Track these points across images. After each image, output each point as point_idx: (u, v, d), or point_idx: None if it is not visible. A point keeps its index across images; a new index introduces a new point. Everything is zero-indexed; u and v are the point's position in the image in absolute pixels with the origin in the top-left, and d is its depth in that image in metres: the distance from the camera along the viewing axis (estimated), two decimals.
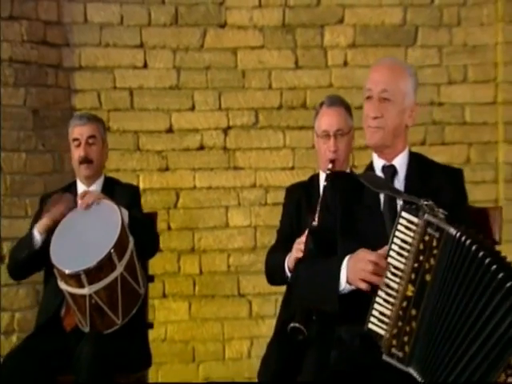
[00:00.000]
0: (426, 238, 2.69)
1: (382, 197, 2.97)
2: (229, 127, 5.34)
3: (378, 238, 2.82)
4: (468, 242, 2.63)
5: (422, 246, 2.70)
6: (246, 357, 5.30)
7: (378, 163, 3.09)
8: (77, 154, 4.04)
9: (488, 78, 5.44)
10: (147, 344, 4.05)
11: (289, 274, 3.73)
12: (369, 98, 3.02)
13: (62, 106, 5.16)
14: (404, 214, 2.72)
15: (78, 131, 4.04)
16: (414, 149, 4.84)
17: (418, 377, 2.67)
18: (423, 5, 5.42)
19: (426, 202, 2.76)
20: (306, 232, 3.50)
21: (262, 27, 5.37)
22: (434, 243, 2.69)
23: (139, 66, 5.29)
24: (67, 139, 5.00)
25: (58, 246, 3.76)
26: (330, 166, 3.78)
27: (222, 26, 5.35)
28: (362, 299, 2.78)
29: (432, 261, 2.69)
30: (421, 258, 2.70)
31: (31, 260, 3.92)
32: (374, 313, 2.72)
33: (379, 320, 2.71)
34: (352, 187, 3.04)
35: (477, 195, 5.19)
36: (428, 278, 2.68)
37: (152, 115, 5.25)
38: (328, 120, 3.84)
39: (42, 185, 5.04)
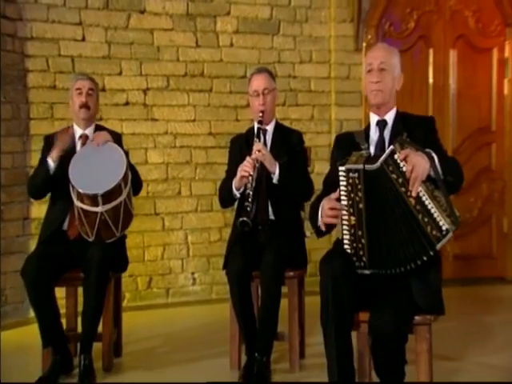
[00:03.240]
0: (350, 180, 2.82)
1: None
2: (147, 89, 5.58)
3: None
4: (370, 169, 2.78)
5: (349, 187, 2.83)
6: (160, 259, 5.64)
7: (374, 118, 3.18)
8: (78, 100, 4.05)
9: (325, 60, 5.96)
10: (126, 251, 4.21)
11: (235, 192, 3.86)
12: (370, 70, 3.13)
13: (18, 68, 5.21)
14: (339, 167, 2.86)
15: (81, 83, 4.09)
16: (277, 109, 5.62)
17: (378, 272, 2.83)
18: (283, 5, 5.86)
19: (363, 146, 3.01)
20: (247, 158, 3.77)
21: (171, 14, 5.62)
22: (357, 181, 2.81)
23: (79, 39, 5.40)
24: (23, 93, 5.20)
25: (76, 173, 3.82)
26: (260, 114, 3.92)
27: (142, 12, 5.56)
28: None
29: (359, 194, 2.81)
30: (351, 195, 2.83)
31: (47, 183, 4.00)
32: (344, 240, 2.86)
33: (346, 244, 2.86)
34: (352, 142, 3.13)
35: (317, 141, 5.85)
36: (361, 206, 2.81)
37: None
38: (257, 82, 3.98)
39: (5, 128, 5.11)
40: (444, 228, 2.72)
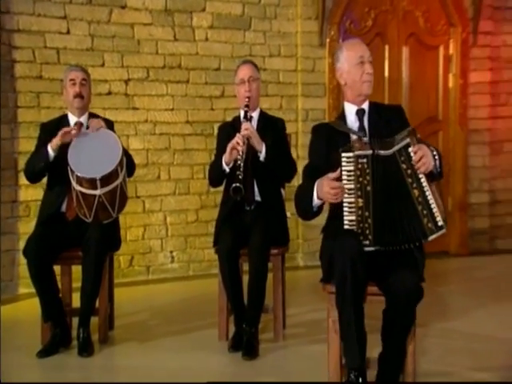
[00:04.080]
0: (359, 165, 2.82)
1: (352, 136, 3.06)
2: (129, 79, 5.53)
3: None
4: (382, 154, 2.81)
5: (358, 172, 2.82)
6: (140, 239, 5.61)
7: (352, 108, 3.14)
8: (72, 90, 3.98)
9: (292, 54, 5.98)
10: (120, 231, 4.17)
11: (225, 167, 3.80)
12: (362, 62, 3.08)
13: (5, 59, 5.13)
14: (343, 154, 2.84)
15: (75, 74, 4.01)
16: None
17: (381, 248, 2.85)
18: (254, 3, 5.86)
19: (357, 134, 3.00)
20: (237, 134, 3.74)
21: (151, 10, 5.57)
22: (366, 166, 2.81)
23: (64, 32, 5.31)
24: (10, 83, 5.09)
25: (75, 159, 3.76)
26: (247, 100, 3.90)
27: (123, 7, 5.50)
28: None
29: (368, 177, 2.82)
30: (360, 179, 2.82)
31: (45, 170, 3.93)
32: (345, 219, 2.84)
33: (349, 224, 2.84)
34: (329, 132, 3.13)
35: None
36: (369, 188, 2.82)
37: None
38: (243, 71, 3.98)
39: None
40: (440, 224, 2.79)
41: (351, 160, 2.83)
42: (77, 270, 4.24)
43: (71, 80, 4.03)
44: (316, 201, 2.93)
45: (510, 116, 6.77)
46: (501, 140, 6.72)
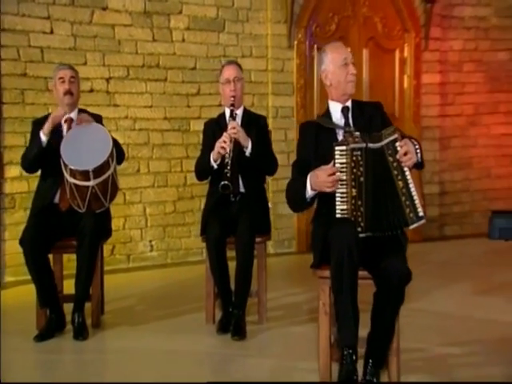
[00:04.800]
0: (354, 158, 2.84)
1: (337, 131, 3.08)
2: (110, 78, 5.47)
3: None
4: (372, 147, 2.84)
5: (352, 164, 2.84)
6: (121, 229, 5.54)
7: (337, 106, 3.14)
8: (62, 87, 3.92)
9: (263, 55, 6.00)
10: (111, 221, 4.12)
11: (213, 163, 3.82)
12: (346, 64, 3.08)
13: None
14: (337, 147, 2.86)
15: (63, 72, 3.95)
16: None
17: (371, 235, 2.87)
18: (228, 6, 5.86)
19: (347, 129, 2.99)
20: (224, 134, 3.75)
21: (131, 12, 5.53)
22: (359, 158, 2.83)
23: (47, 32, 5.22)
24: None
25: (68, 152, 3.73)
26: (232, 99, 3.91)
27: (105, 8, 5.44)
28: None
29: (361, 169, 2.84)
30: (354, 170, 2.84)
31: (40, 157, 3.84)
32: (337, 209, 2.86)
33: (341, 213, 2.86)
34: (316, 129, 3.14)
35: None
36: (362, 179, 2.84)
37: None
38: (228, 71, 3.97)
39: None
40: (420, 214, 2.83)
41: (344, 153, 2.85)
42: (67, 258, 4.30)
43: (60, 78, 3.97)
44: (310, 192, 2.95)
45: (456, 114, 6.99)
46: (448, 136, 6.92)
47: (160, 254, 5.78)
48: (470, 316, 4.12)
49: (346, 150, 2.85)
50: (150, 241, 5.75)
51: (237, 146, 3.81)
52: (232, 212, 3.85)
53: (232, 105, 3.92)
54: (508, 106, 7.19)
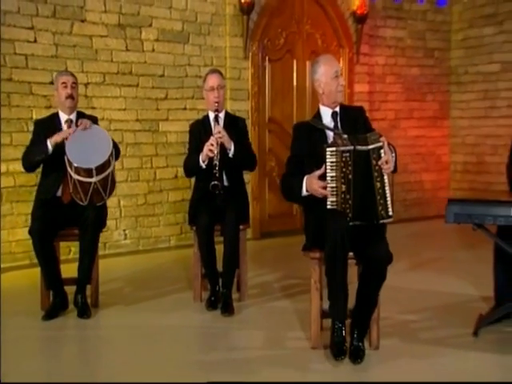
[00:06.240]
0: (343, 159, 2.92)
1: (327, 132, 3.16)
2: (88, 83, 5.41)
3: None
4: (360, 149, 2.92)
5: (342, 164, 2.92)
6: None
7: (328, 111, 3.22)
8: (64, 92, 3.90)
9: (222, 64, 6.00)
10: (107, 212, 4.05)
11: (202, 163, 3.83)
12: (337, 76, 3.18)
13: None
14: (328, 149, 2.93)
15: (66, 78, 3.93)
16: (188, 101, 5.71)
17: (360, 223, 2.98)
18: (192, 21, 5.86)
19: (337, 132, 3.06)
20: (211, 137, 3.79)
21: (107, 24, 5.47)
22: (348, 159, 2.92)
23: (31, 41, 5.13)
24: None
25: (73, 152, 3.70)
26: (216, 105, 3.94)
27: (83, 21, 5.37)
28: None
29: (350, 168, 2.92)
30: (343, 169, 2.93)
31: (43, 161, 3.83)
32: (328, 201, 2.95)
33: (331, 204, 2.95)
34: (309, 129, 3.20)
35: None
36: (350, 177, 2.93)
37: (40, 73, 5.16)
38: (212, 80, 3.98)
39: None
40: (390, 214, 2.97)
41: (335, 153, 2.94)
42: (64, 244, 4.25)
43: (63, 83, 3.94)
44: (305, 192, 3.05)
45: (382, 119, 7.31)
46: None
47: (133, 242, 5.78)
48: (413, 288, 4.35)
49: (335, 151, 2.94)
50: (124, 230, 5.74)
51: (222, 148, 3.87)
52: (217, 203, 3.91)
53: (216, 110, 3.98)
54: (420, 113, 7.64)
